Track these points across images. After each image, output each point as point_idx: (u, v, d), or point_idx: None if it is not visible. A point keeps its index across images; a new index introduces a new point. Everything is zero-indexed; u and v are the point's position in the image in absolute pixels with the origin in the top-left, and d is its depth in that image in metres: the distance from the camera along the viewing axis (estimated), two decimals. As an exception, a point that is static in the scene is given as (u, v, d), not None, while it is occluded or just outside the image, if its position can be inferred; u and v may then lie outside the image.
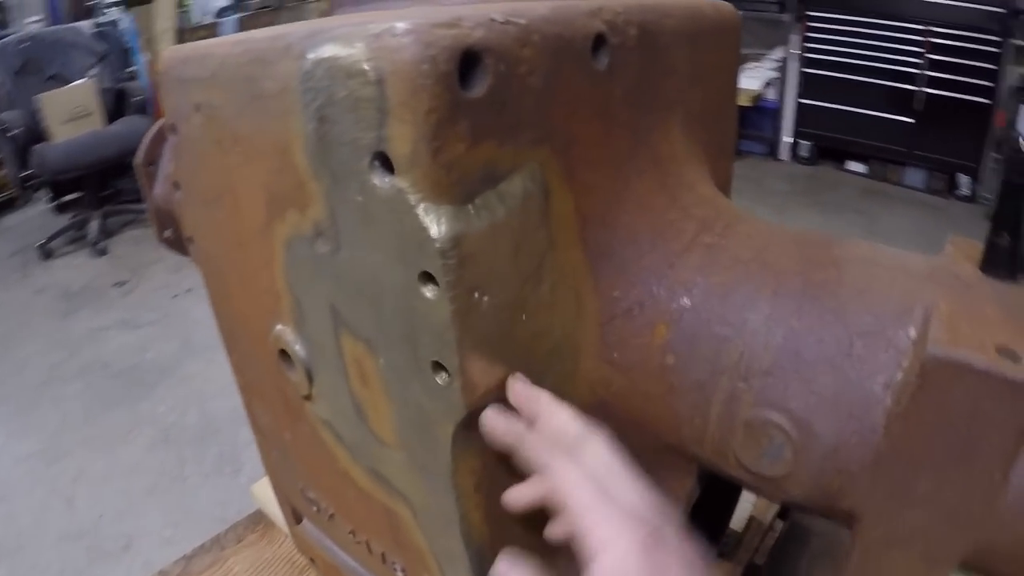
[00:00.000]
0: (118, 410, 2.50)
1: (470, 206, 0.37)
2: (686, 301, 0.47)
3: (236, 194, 0.50)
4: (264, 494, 0.91)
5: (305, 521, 0.73)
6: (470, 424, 0.42)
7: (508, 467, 0.45)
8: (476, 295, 0.38)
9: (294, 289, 0.49)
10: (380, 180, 0.36)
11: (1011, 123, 3.26)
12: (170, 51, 0.54)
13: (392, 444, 0.48)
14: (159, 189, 1.01)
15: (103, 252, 3.67)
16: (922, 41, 3.50)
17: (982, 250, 0.50)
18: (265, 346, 0.56)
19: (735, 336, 0.45)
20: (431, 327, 0.38)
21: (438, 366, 0.39)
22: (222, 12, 4.39)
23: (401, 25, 0.33)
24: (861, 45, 3.66)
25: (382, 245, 0.38)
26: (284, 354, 0.53)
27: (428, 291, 0.37)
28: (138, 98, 3.86)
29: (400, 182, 0.35)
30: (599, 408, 0.48)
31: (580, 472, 0.39)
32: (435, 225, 0.35)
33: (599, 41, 0.44)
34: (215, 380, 2.59)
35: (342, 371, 0.48)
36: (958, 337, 0.36)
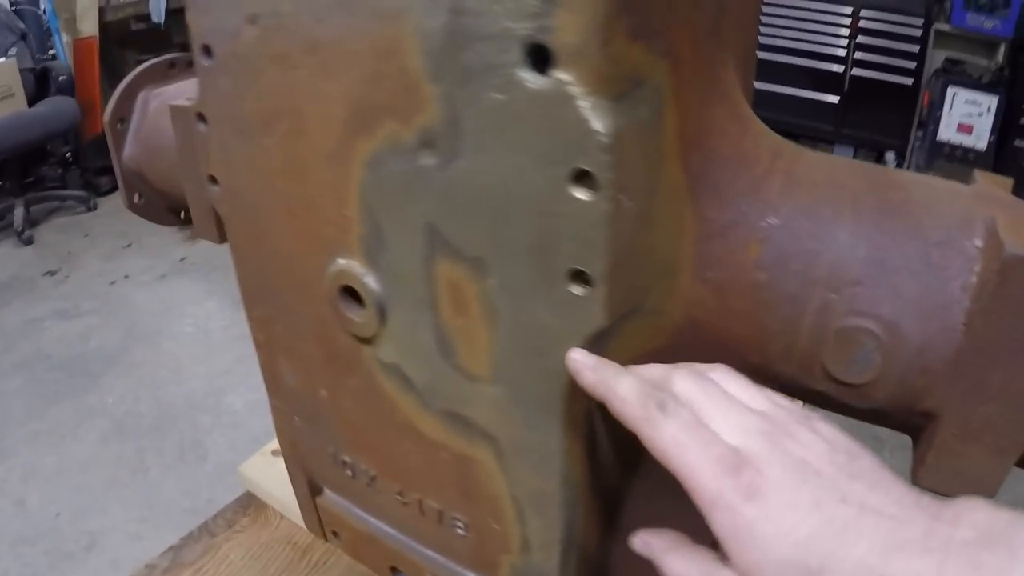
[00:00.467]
0: (64, 403, 2.36)
1: (623, 104, 0.36)
2: (775, 220, 0.48)
3: (299, 115, 0.47)
4: (255, 473, 0.85)
5: (327, 492, 0.69)
6: (598, 341, 0.41)
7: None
8: (624, 198, 0.37)
9: (375, 213, 0.46)
10: (530, 74, 0.35)
11: (935, 103, 3.55)
12: (210, -39, 0.49)
13: (485, 378, 0.46)
14: (130, 150, 0.94)
15: (29, 241, 3.55)
16: (849, 24, 3.70)
17: (1011, 182, 0.55)
18: (313, 289, 0.53)
19: (824, 250, 0.47)
20: (577, 231, 0.37)
21: (578, 275, 0.38)
22: None
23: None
24: (791, 27, 3.80)
25: (523, 146, 0.37)
26: (347, 292, 0.50)
27: (579, 191, 0.36)
28: (62, 78, 3.63)
29: (562, 74, 0.34)
30: (689, 330, 0.48)
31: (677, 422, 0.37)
32: (599, 119, 0.34)
33: (697, -31, 0.44)
34: (166, 366, 2.49)
35: (428, 302, 0.46)
36: None
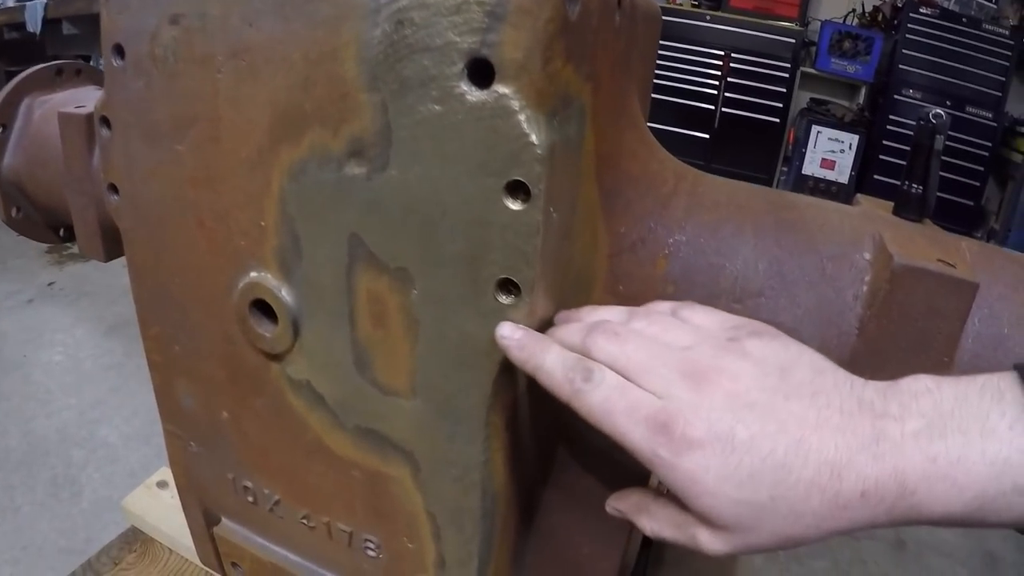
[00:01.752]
0: (-79, 437, 2.08)
1: (555, 120, 0.37)
2: (681, 236, 0.51)
3: (217, 120, 0.45)
4: (140, 507, 0.81)
5: (225, 521, 0.66)
6: None
7: (531, 403, 0.46)
8: (552, 210, 0.38)
9: (294, 223, 0.45)
10: (470, 87, 0.36)
11: (799, 140, 3.78)
12: (127, -42, 0.48)
13: (404, 392, 0.46)
14: (10, 160, 0.88)
15: None
16: (721, 66, 3.90)
17: (891, 204, 0.60)
18: (220, 304, 0.51)
19: (727, 264, 0.50)
20: (508, 240, 0.38)
21: (506, 284, 0.39)
22: None
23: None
24: (668, 68, 3.97)
25: (458, 157, 0.37)
26: (257, 307, 0.49)
27: (513, 202, 0.37)
28: None
29: (502, 88, 0.35)
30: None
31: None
32: (535, 132, 0.35)
33: (619, 1, 0.46)
34: (35, 397, 2.28)
35: (346, 315, 0.45)
36: (909, 253, 0.46)
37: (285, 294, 0.47)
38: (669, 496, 0.38)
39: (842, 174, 3.77)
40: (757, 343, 0.36)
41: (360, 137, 0.40)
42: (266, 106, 0.43)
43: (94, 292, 2.81)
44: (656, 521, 0.39)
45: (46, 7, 3.72)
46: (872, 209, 0.57)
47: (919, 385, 0.33)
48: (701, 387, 0.34)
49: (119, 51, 0.49)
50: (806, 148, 3.78)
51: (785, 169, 3.98)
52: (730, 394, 0.34)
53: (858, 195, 0.62)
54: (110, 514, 1.81)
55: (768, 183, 4.08)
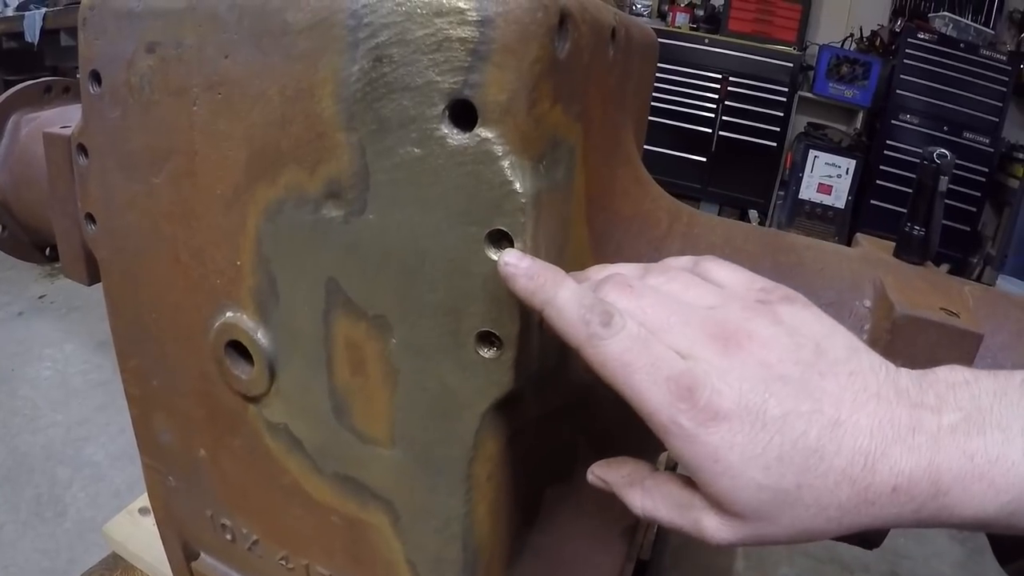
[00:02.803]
0: (-97, 450, 2.04)
1: (541, 166, 0.35)
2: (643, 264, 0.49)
3: (193, 154, 0.44)
4: (121, 534, 0.79)
5: (204, 557, 0.64)
6: (502, 404, 0.39)
7: (514, 453, 0.44)
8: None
9: (270, 264, 0.43)
10: (452, 130, 0.34)
11: (796, 164, 3.77)
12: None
13: (383, 440, 0.44)
14: (-5, 176, 0.86)
15: None
16: (719, 89, 3.90)
17: (891, 245, 0.59)
18: (197, 342, 0.49)
19: None
20: (490, 292, 0.36)
21: (487, 337, 0.37)
22: (23, 6, 3.83)
23: (508, -30, 0.32)
24: (665, 90, 3.95)
25: (439, 204, 0.35)
26: (233, 347, 0.47)
27: (496, 252, 0.35)
28: None
29: (485, 132, 0.33)
30: (591, 388, 0.48)
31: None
32: (520, 179, 0.33)
33: (612, 34, 0.45)
34: (21, 412, 2.23)
35: (323, 360, 0.43)
36: (911, 301, 0.44)
37: (261, 336, 0.45)
38: (671, 472, 0.34)
39: (839, 199, 3.76)
40: (789, 309, 0.32)
41: (337, 179, 0.38)
42: (242, 142, 0.41)
43: (85, 307, 2.78)
44: (652, 499, 0.34)
45: (45, 18, 3.73)
46: (872, 251, 0.55)
47: (957, 376, 0.31)
48: (730, 351, 0.30)
49: (96, 77, 0.47)
50: (803, 172, 3.78)
51: (782, 193, 3.97)
52: (763, 363, 0.30)
53: (858, 235, 0.60)
54: (94, 535, 1.77)
55: (765, 207, 4.08)
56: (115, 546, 0.83)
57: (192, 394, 0.53)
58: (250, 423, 0.50)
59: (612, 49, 0.45)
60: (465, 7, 0.32)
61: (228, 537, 0.59)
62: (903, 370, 0.31)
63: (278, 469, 0.50)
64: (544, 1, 0.32)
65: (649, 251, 0.49)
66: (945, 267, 3.30)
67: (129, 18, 0.44)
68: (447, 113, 0.34)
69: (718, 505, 0.31)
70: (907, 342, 0.44)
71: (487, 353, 0.37)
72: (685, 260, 0.39)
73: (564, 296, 0.32)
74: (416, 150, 0.35)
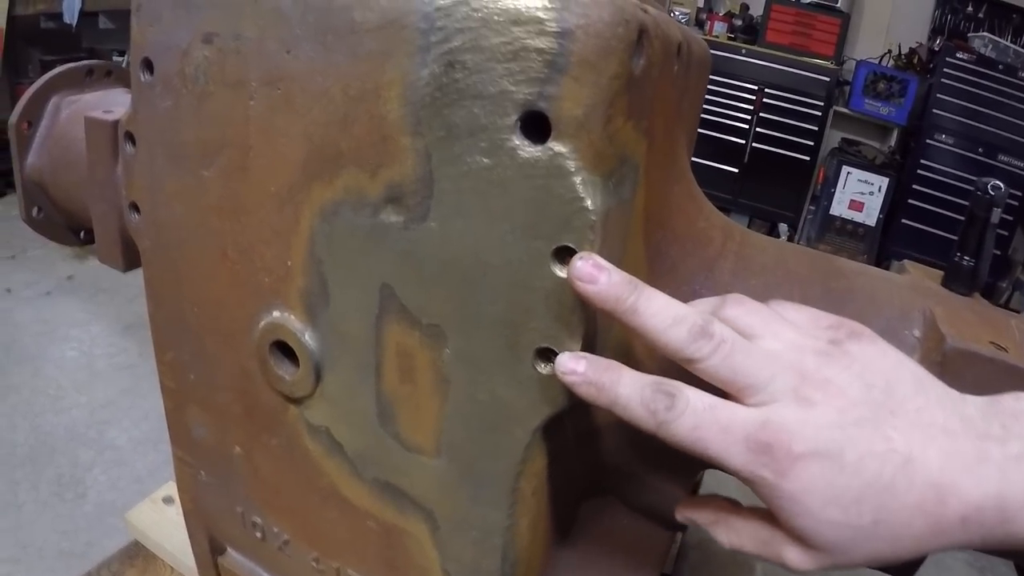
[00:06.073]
0: (-69, 424, 2.07)
1: (611, 182, 0.34)
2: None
3: (247, 149, 0.43)
4: (143, 522, 0.79)
5: (231, 552, 0.63)
6: (554, 424, 0.38)
7: (559, 468, 0.43)
8: (603, 278, 0.35)
9: (322, 266, 0.42)
10: (524, 142, 0.33)
11: (828, 180, 3.73)
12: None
13: (427, 450, 0.43)
14: (35, 159, 0.86)
15: None
16: (754, 100, 3.87)
17: (939, 273, 0.58)
18: (240, 339, 0.48)
19: None
20: (552, 310, 0.35)
21: (545, 353, 0.36)
22: None
23: (586, -17, 0.31)
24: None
25: (505, 216, 0.34)
26: (278, 348, 0.46)
27: (560, 268, 0.34)
28: None
29: (558, 146, 0.32)
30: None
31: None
32: (591, 197, 0.32)
33: (679, 49, 0.44)
34: (45, 392, 2.25)
35: (372, 366, 0.43)
36: (961, 334, 0.44)
37: (308, 338, 0.45)
38: (753, 509, 0.36)
39: (870, 216, 3.72)
40: (858, 347, 0.34)
41: (399, 183, 0.37)
42: (300, 140, 0.40)
43: (113, 288, 2.80)
44: (738, 535, 0.37)
45: (84, 0, 3.76)
46: (921, 280, 0.54)
47: (1021, 405, 0.32)
48: (808, 400, 0.32)
49: (148, 66, 0.46)
50: (835, 188, 3.73)
51: (813, 208, 3.93)
52: (839, 409, 0.31)
53: (905, 262, 0.60)
54: (113, 519, 1.78)
55: (795, 222, 4.04)
56: (136, 534, 0.83)
57: (230, 391, 0.52)
58: (290, 424, 0.49)
59: (677, 64, 0.44)
60: (544, 17, 0.31)
61: (258, 535, 0.58)
62: (968, 398, 0.33)
63: (315, 471, 0.50)
64: (626, 16, 0.31)
65: (702, 269, 0.48)
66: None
67: (186, 6, 0.43)
68: (519, 124, 0.33)
69: (799, 540, 0.33)
70: (955, 375, 0.44)
71: (544, 369, 0.36)
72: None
73: (625, 392, 0.34)
74: (485, 160, 0.34)
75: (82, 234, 1.02)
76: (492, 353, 0.37)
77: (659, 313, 0.33)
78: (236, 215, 0.45)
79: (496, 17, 0.32)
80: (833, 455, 0.30)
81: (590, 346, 0.36)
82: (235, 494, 0.58)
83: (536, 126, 0.32)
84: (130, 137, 0.50)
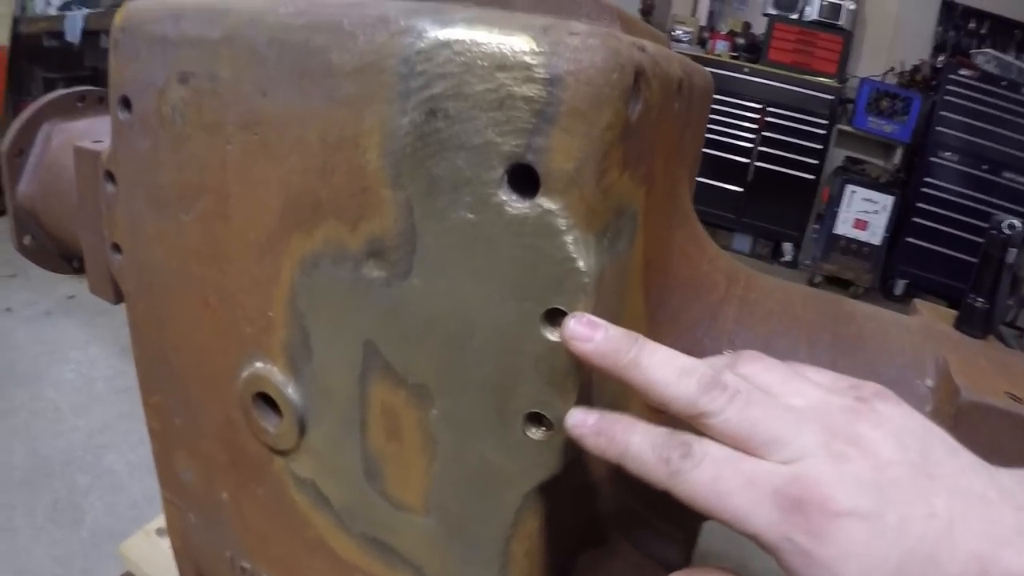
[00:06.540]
0: (-75, 445, 2.05)
1: (605, 239, 0.32)
2: (730, 350, 0.46)
3: (226, 195, 0.41)
4: (137, 554, 0.77)
5: (218, 595, 0.61)
6: (547, 486, 0.36)
7: (552, 526, 0.40)
8: (596, 339, 0.33)
9: (304, 318, 0.40)
10: (511, 197, 0.31)
11: (833, 199, 3.71)
12: (137, 4, 0.44)
13: (415, 508, 0.41)
14: (26, 187, 0.85)
15: None
16: (757, 120, 3.86)
17: (951, 313, 0.56)
18: (223, 388, 0.46)
19: None
20: (543, 374, 0.33)
21: (536, 418, 0.34)
22: (66, 5, 3.90)
23: (581, 25, 0.29)
24: None
25: (492, 275, 0.32)
26: (261, 398, 0.44)
27: (551, 332, 0.32)
28: None
29: (548, 202, 0.30)
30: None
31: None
32: (583, 257, 0.30)
33: (680, 85, 0.42)
34: (43, 414, 2.22)
35: (357, 423, 0.40)
36: (975, 385, 0.42)
37: (292, 391, 0.42)
38: None
39: (875, 235, 3.69)
40: (886, 407, 0.31)
41: (380, 237, 0.35)
42: (278, 188, 0.38)
43: (113, 310, 2.75)
44: None
45: (86, 19, 3.79)
46: (934, 323, 0.52)
47: None
48: (842, 456, 0.28)
49: (126, 103, 0.45)
50: (839, 207, 3.71)
51: (817, 227, 3.91)
52: (875, 467, 0.28)
53: (916, 301, 0.57)
54: (109, 546, 1.75)
55: (799, 240, 4.02)
56: (130, 565, 0.82)
57: (216, 438, 0.50)
58: (276, 474, 0.47)
59: (678, 102, 0.42)
60: (532, 62, 0.29)
61: (246, 580, 0.56)
62: (1001, 470, 0.30)
63: (302, 522, 0.48)
64: (620, 60, 0.29)
65: (705, 317, 0.46)
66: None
67: (162, 44, 0.41)
68: (506, 178, 0.31)
69: None
70: (969, 428, 0.42)
71: (535, 434, 0.34)
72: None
73: (637, 442, 0.31)
74: (470, 215, 0.32)
75: (75, 263, 1.01)
76: (480, 416, 0.35)
77: (664, 365, 0.30)
78: (217, 262, 0.43)
79: (480, 62, 0.30)
80: (873, 516, 0.27)
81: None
82: (224, 539, 0.56)
83: (524, 180, 0.30)
84: (110, 176, 0.48)
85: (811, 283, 3.87)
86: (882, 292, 3.89)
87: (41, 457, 2.08)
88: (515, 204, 0.31)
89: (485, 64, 0.30)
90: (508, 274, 0.32)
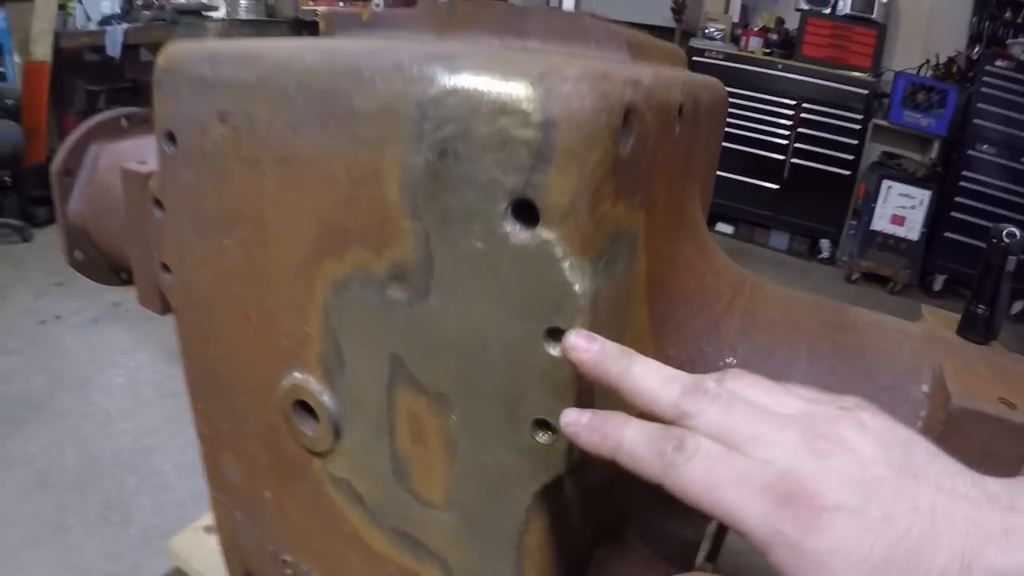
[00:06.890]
0: (-16, 447, 2.16)
1: (600, 263, 0.36)
2: (732, 360, 0.48)
3: (264, 223, 0.45)
4: (185, 550, 0.82)
5: (263, 586, 0.66)
6: (555, 485, 0.40)
7: (565, 522, 0.44)
8: (595, 352, 0.36)
9: (337, 334, 0.44)
10: (514, 228, 0.34)
11: (869, 194, 3.68)
12: (177, 46, 0.48)
13: (440, 505, 0.45)
14: (76, 205, 0.90)
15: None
16: (792, 116, 3.84)
17: (958, 318, 0.57)
18: (265, 396, 0.51)
19: None
20: (547, 385, 0.36)
21: (542, 424, 0.37)
22: (106, 20, 4.02)
23: (572, 70, 0.32)
24: (737, 116, 3.91)
25: (499, 297, 0.36)
26: (299, 405, 0.48)
27: (552, 347, 0.35)
28: (10, 101, 3.47)
29: (546, 233, 0.34)
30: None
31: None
32: (579, 281, 0.34)
33: (679, 110, 0.45)
34: (93, 418, 2.33)
35: (386, 427, 0.45)
36: (969, 391, 0.43)
37: (327, 399, 0.47)
38: None
39: (912, 230, 3.65)
40: (869, 416, 0.32)
41: (402, 263, 0.39)
42: (311, 217, 0.43)
43: (158, 317, 2.85)
44: None
45: (126, 33, 3.90)
46: (935, 329, 0.54)
47: None
48: (824, 453, 0.30)
49: (171, 138, 0.49)
50: (876, 203, 3.68)
51: (854, 223, 3.87)
52: (858, 465, 0.29)
53: (923, 307, 0.59)
54: (158, 543, 1.83)
55: (836, 237, 3.98)
56: (179, 561, 0.85)
57: (259, 441, 0.55)
58: (314, 474, 0.51)
59: (679, 125, 0.45)
60: (528, 109, 0.32)
61: (289, 572, 0.61)
62: (988, 478, 0.31)
63: (339, 518, 0.52)
64: (610, 102, 0.32)
65: (709, 328, 0.49)
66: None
67: (202, 85, 0.45)
68: (510, 211, 0.34)
69: None
70: (960, 434, 0.43)
71: (542, 439, 0.38)
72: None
73: (630, 436, 0.32)
74: (479, 243, 0.36)
75: (122, 275, 1.06)
76: (493, 422, 0.39)
77: (650, 373, 0.33)
78: (257, 283, 0.48)
79: (483, 107, 0.33)
80: (859, 511, 0.28)
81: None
82: (266, 534, 0.61)
83: (525, 212, 0.34)
84: (158, 202, 0.53)
85: (849, 280, 3.84)
86: (920, 288, 3.83)
87: (91, 459, 2.17)
88: (518, 234, 0.34)
89: (488, 110, 0.33)
90: (514, 296, 0.35)
